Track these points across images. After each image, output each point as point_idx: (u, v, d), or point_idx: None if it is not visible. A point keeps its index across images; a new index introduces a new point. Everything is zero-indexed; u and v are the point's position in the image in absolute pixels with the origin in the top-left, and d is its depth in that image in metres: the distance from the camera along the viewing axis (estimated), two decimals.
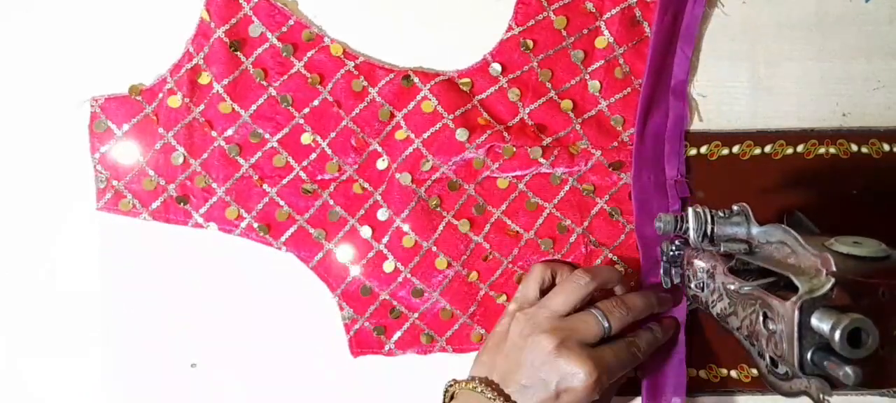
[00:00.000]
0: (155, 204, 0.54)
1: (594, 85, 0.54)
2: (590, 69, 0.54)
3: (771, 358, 0.41)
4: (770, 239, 0.42)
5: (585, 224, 0.54)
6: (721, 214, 0.45)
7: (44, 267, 0.55)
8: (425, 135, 0.53)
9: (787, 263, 0.40)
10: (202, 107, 0.54)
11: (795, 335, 0.34)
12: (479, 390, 0.46)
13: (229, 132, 0.54)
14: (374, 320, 0.55)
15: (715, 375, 0.55)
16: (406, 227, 0.54)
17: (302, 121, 0.54)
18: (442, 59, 0.54)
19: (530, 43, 0.54)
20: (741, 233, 0.44)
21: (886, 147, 0.54)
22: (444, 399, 0.49)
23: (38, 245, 0.55)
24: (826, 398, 0.37)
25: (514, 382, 0.46)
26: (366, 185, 0.55)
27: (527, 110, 0.54)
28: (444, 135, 0.53)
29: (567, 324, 0.47)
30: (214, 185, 0.54)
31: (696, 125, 0.54)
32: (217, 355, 0.55)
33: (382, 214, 0.54)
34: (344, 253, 0.55)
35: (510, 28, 0.54)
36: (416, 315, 0.55)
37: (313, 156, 0.54)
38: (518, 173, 0.54)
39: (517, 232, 0.54)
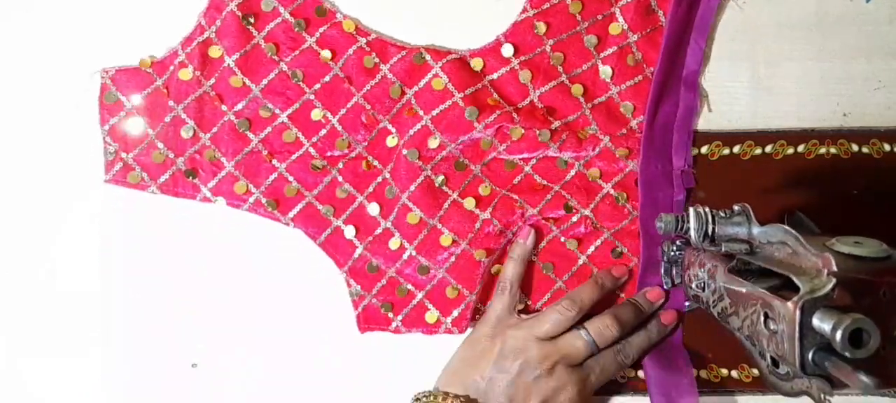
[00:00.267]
0: (163, 178, 0.54)
1: (606, 71, 0.54)
2: (602, 55, 0.54)
3: (772, 358, 0.41)
4: (771, 240, 0.42)
5: (592, 205, 0.55)
6: (722, 214, 0.45)
7: (44, 267, 0.55)
8: (434, 113, 0.53)
9: (788, 263, 0.40)
10: (213, 80, 0.53)
11: (796, 335, 0.35)
12: None
13: (239, 106, 0.54)
14: (381, 297, 0.55)
15: (715, 375, 0.55)
16: (411, 203, 0.54)
17: (312, 96, 0.54)
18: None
19: (544, 26, 0.53)
20: (742, 233, 0.44)
21: (887, 147, 0.54)
22: None
23: (37, 244, 0.54)
24: (827, 398, 0.37)
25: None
26: (375, 162, 0.55)
27: (537, 93, 0.54)
28: (453, 113, 0.53)
29: (555, 348, 0.49)
30: (223, 159, 0.54)
31: (696, 125, 0.54)
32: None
33: (390, 192, 0.55)
34: (351, 229, 0.55)
35: (525, 10, 0.54)
36: (422, 293, 0.55)
37: (323, 132, 0.54)
38: (525, 155, 0.54)
39: (523, 206, 0.54)
